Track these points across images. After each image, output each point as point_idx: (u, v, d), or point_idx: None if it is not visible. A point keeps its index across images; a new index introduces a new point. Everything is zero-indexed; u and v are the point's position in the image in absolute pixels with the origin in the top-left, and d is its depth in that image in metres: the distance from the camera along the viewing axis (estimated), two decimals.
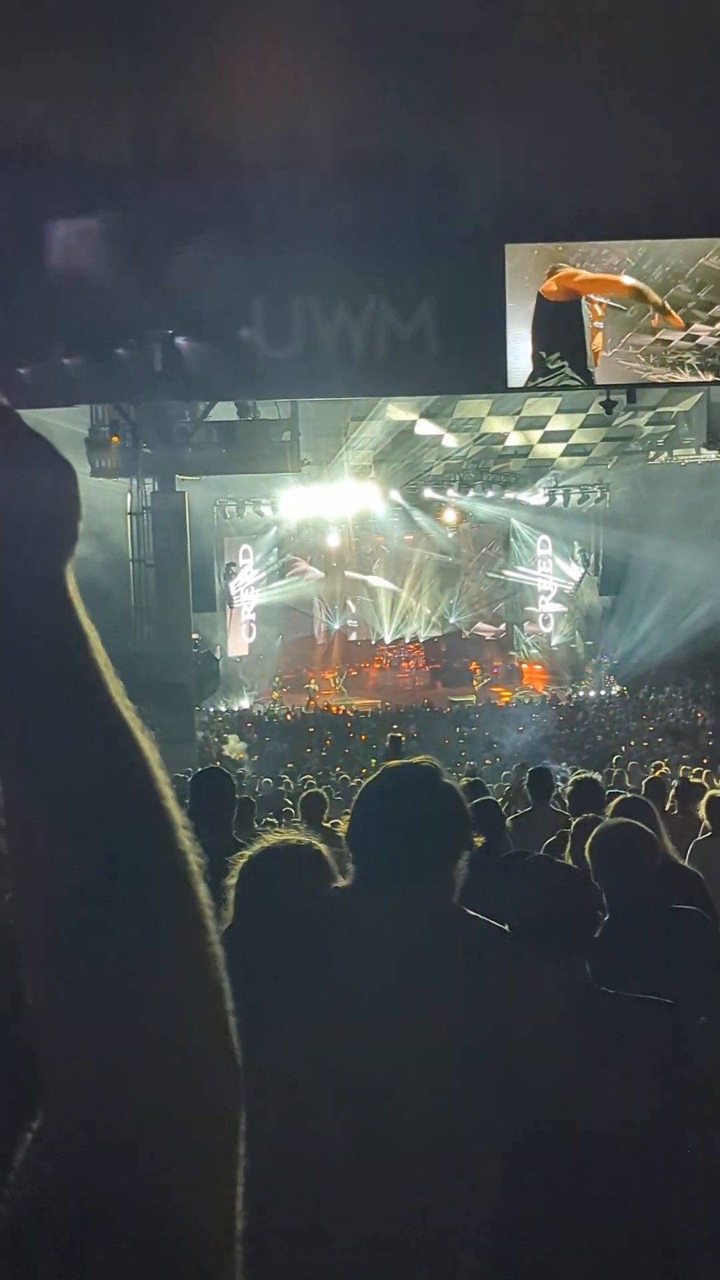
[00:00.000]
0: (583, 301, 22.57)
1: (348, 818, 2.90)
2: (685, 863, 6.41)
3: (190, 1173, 1.01)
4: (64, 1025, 1.01)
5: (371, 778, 2.92)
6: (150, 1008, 1.01)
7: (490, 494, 37.16)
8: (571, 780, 7.51)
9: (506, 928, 2.95)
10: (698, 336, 22.77)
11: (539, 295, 22.31)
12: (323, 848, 3.15)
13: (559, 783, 11.01)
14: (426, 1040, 2.56)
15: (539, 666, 40.52)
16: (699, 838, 8.37)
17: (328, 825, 11.24)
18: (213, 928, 1.09)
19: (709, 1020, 3.69)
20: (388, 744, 9.23)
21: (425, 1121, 2.53)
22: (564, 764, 23.42)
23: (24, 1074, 1.09)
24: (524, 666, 40.91)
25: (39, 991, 1.02)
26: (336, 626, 40.92)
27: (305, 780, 19.04)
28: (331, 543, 38.54)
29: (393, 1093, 2.52)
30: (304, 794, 11.54)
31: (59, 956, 1.01)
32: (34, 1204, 0.99)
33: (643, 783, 11.66)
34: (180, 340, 21.74)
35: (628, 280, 22.44)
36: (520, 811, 9.93)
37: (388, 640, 41.31)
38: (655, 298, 22.43)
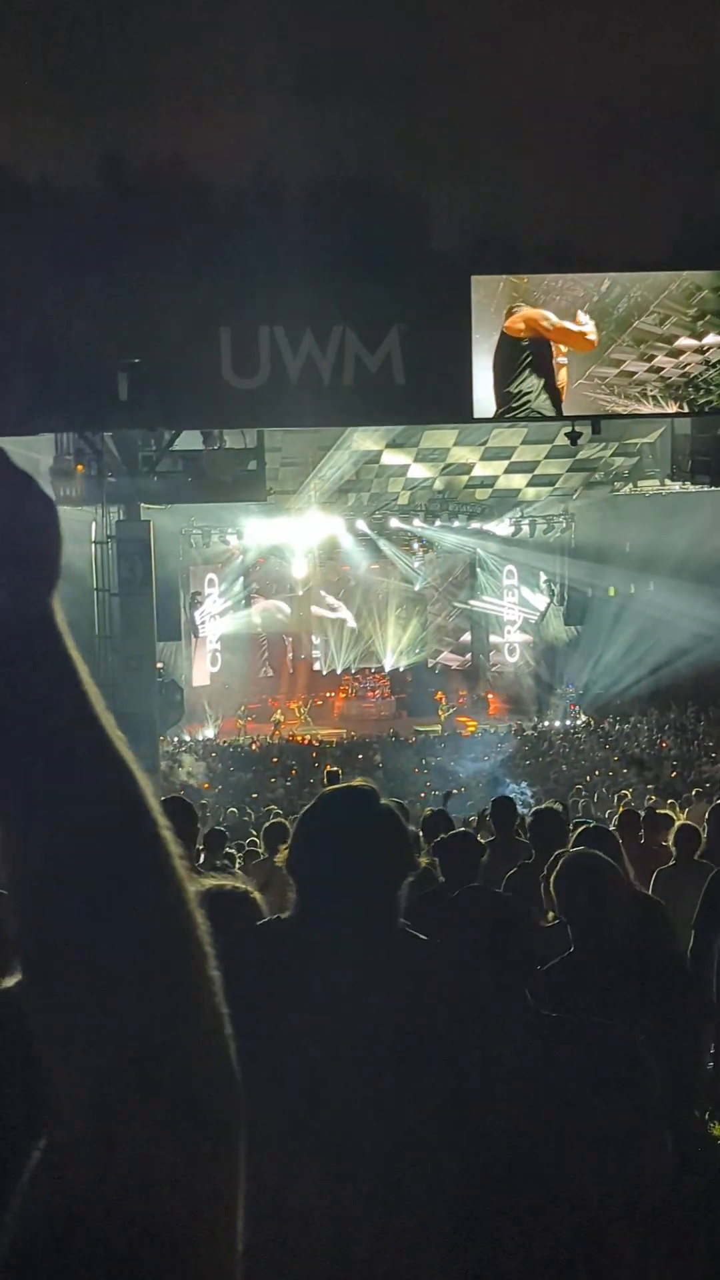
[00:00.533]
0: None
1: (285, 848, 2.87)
2: (649, 892, 6.40)
3: (192, 1192, 1.02)
4: (66, 1048, 1.02)
5: (307, 805, 2.89)
6: (152, 1031, 1.02)
7: (456, 524, 37.26)
8: (533, 811, 7.48)
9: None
10: (662, 368, 22.92)
11: (502, 332, 22.40)
12: (256, 894, 3.10)
13: (522, 811, 10.99)
14: (377, 1066, 2.54)
15: (505, 697, 40.57)
16: (664, 866, 8.39)
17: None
18: (211, 954, 1.11)
19: (664, 1046, 3.67)
20: (324, 780, 9.19)
21: (379, 1147, 2.51)
22: (524, 787, 23.48)
23: (30, 1093, 1.09)
24: (490, 696, 40.95)
25: (41, 1016, 1.03)
26: (302, 656, 40.86)
27: (269, 810, 18.98)
28: (297, 572, 38.56)
29: (345, 1121, 2.50)
30: (267, 824, 11.49)
31: (62, 984, 1.02)
32: (38, 1222, 1.01)
33: (615, 815, 11.68)
34: (146, 369, 21.72)
35: (593, 337, 22.57)
36: (486, 841, 9.90)
37: (353, 670, 41.28)
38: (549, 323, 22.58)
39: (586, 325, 22.52)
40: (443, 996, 2.75)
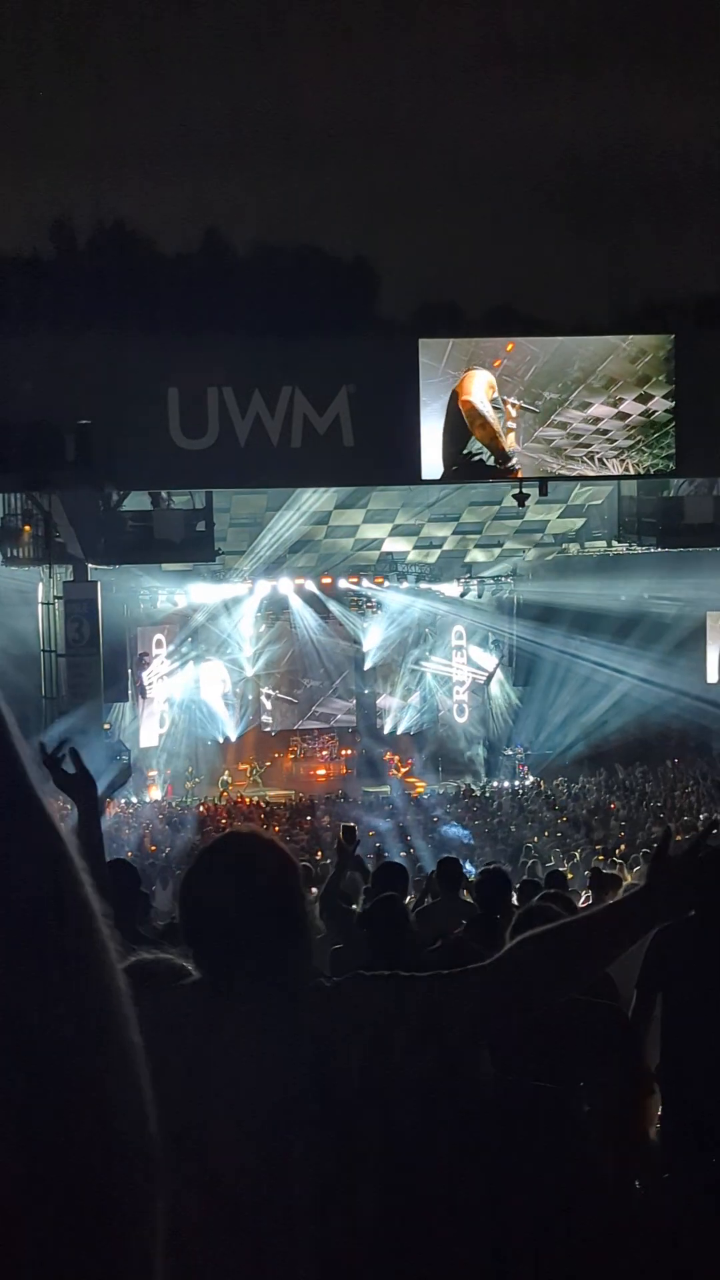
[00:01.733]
0: (492, 405, 22.86)
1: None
2: None
3: (103, 1262, 0.98)
4: None
5: (188, 867, 2.77)
6: (68, 1090, 0.98)
7: (405, 585, 37.36)
8: (479, 871, 7.48)
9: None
10: (608, 431, 23.14)
11: (453, 394, 22.58)
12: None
13: (468, 873, 10.96)
14: (292, 1137, 2.47)
15: (454, 757, 40.51)
16: None
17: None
18: (132, 1016, 1.08)
19: (599, 1108, 3.64)
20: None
21: (302, 1221, 2.45)
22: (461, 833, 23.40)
23: None
24: (438, 757, 40.86)
25: None
26: (250, 716, 40.68)
27: None
28: (246, 631, 38.49)
29: (264, 1197, 2.44)
30: None
31: None
32: None
33: (588, 873, 11.69)
34: (94, 430, 21.72)
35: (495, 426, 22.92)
36: (428, 902, 9.86)
37: (302, 731, 41.15)
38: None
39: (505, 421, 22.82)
40: (369, 1060, 2.64)
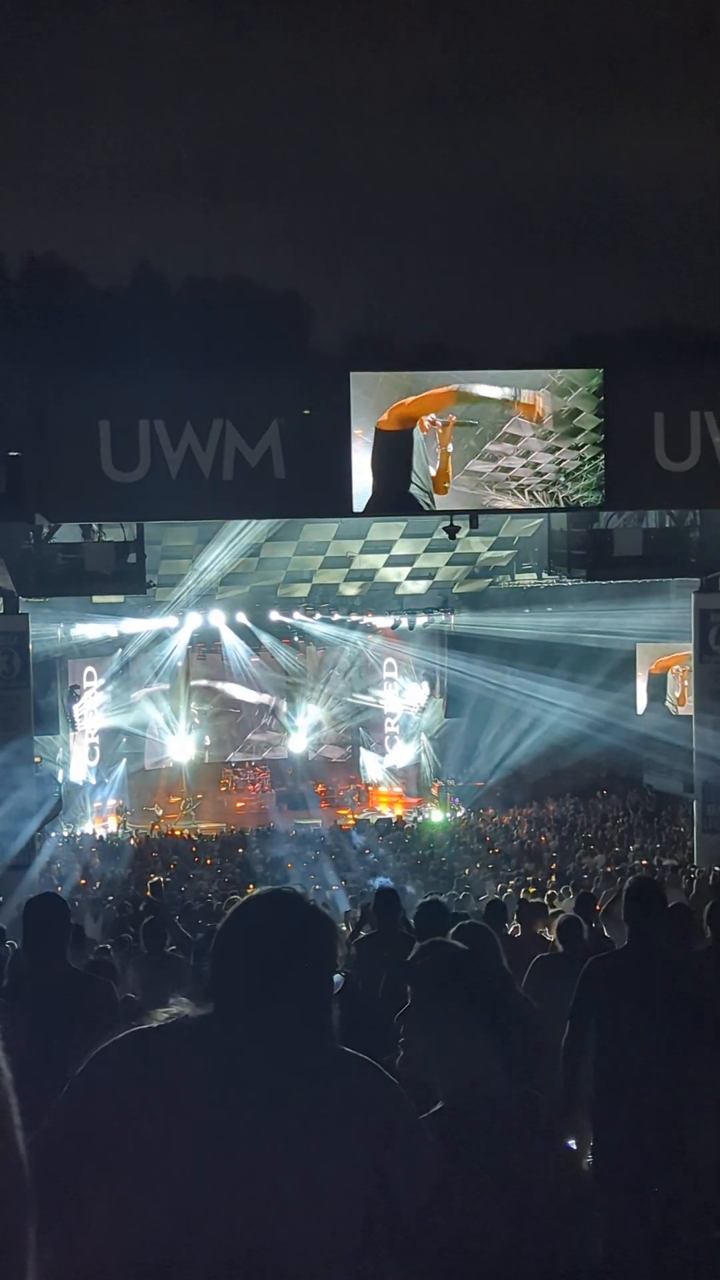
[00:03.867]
0: (417, 431, 22.95)
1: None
2: (523, 981, 6.41)
3: None
4: None
5: (236, 906, 2.80)
6: None
7: (337, 617, 37.41)
8: (419, 903, 7.57)
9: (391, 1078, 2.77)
10: (539, 464, 23.31)
11: (376, 428, 22.67)
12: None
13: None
14: (293, 1200, 2.46)
15: (385, 789, 40.56)
16: (541, 955, 8.45)
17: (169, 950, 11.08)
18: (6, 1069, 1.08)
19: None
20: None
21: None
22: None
23: None
24: (370, 789, 40.91)
25: None
26: (181, 749, 40.50)
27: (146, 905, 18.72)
28: (177, 664, 38.38)
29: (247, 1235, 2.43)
30: (146, 919, 11.38)
31: None
32: None
33: (518, 902, 11.76)
34: (24, 461, 21.61)
35: (447, 387, 22.90)
36: (365, 933, 9.89)
37: (234, 763, 41.07)
38: (480, 392, 22.90)
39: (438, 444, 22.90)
40: (380, 1128, 2.65)
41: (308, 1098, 2.55)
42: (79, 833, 34.01)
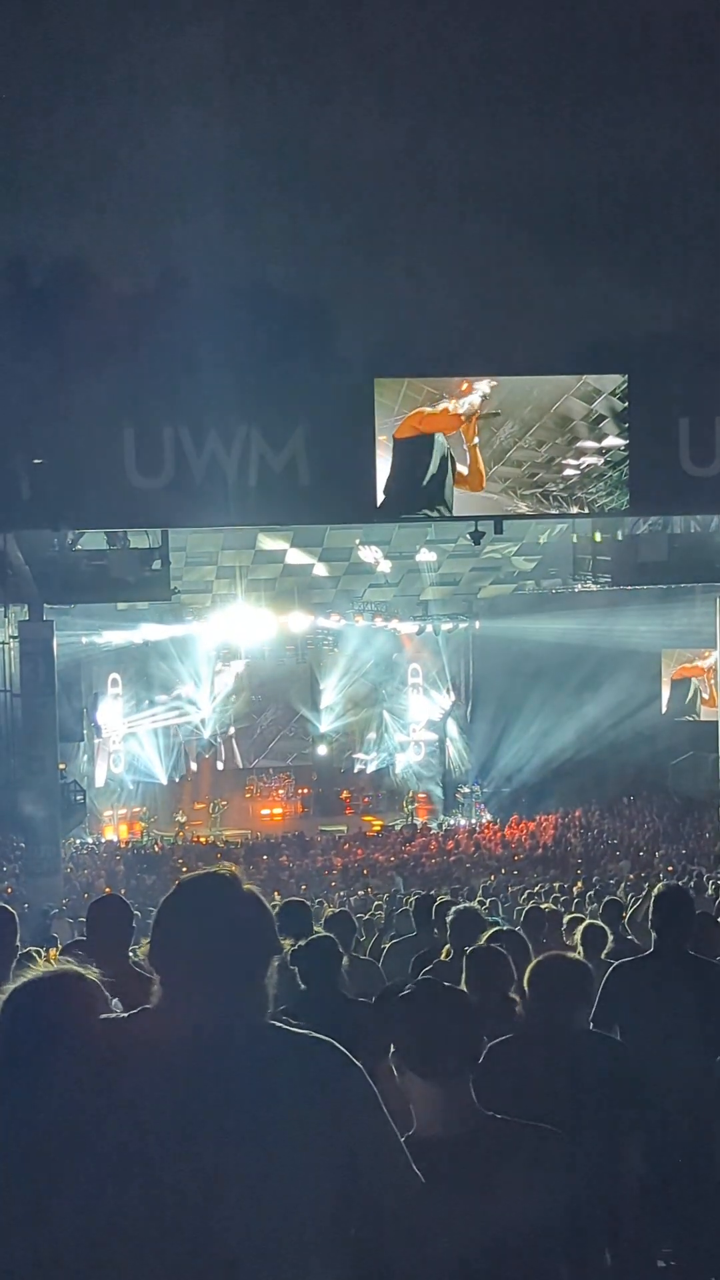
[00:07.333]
0: (438, 435, 22.86)
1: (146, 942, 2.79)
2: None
3: None
4: None
5: (168, 894, 2.80)
6: None
7: (362, 622, 37.38)
8: (453, 910, 7.60)
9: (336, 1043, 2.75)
10: (564, 469, 23.22)
11: (392, 437, 22.61)
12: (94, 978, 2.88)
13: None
14: (246, 1176, 2.46)
15: (410, 794, 40.50)
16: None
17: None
18: None
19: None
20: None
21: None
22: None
23: None
24: (393, 795, 40.84)
25: None
26: (205, 755, 40.51)
27: None
28: (203, 670, 38.40)
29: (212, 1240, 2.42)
30: None
31: None
32: None
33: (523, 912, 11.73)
34: (50, 468, 21.63)
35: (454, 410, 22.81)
36: (402, 937, 10.07)
37: (258, 769, 41.05)
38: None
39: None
40: (331, 1098, 2.64)
41: (240, 1074, 2.56)
42: (103, 840, 34.05)
